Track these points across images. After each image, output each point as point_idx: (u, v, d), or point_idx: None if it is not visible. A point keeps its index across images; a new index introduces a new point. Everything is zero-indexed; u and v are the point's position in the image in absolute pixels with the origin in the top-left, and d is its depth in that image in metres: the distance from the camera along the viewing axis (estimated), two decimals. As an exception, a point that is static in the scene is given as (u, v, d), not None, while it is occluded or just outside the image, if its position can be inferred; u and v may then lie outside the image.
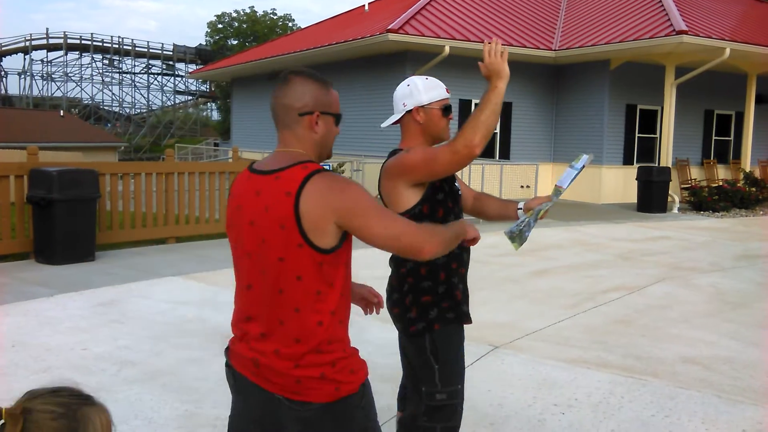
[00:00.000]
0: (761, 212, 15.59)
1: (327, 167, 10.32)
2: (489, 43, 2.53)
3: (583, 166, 2.59)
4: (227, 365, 2.15)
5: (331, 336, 1.98)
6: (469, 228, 2.32)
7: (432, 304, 2.67)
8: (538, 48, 16.32)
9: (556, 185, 2.76)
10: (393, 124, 2.79)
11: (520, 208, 2.87)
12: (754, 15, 19.69)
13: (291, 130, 2.05)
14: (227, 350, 2.16)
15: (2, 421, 1.38)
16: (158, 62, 56.66)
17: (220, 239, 10.07)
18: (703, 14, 16.79)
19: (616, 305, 6.70)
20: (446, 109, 2.70)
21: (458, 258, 2.72)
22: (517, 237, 2.61)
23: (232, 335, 2.14)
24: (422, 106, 2.67)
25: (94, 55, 54.15)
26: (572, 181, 2.69)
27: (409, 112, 2.70)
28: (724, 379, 4.69)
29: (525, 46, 16.09)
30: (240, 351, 2.07)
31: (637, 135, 17.16)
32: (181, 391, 4.27)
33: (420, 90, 2.67)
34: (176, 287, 7.05)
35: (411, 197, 2.63)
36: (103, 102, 56.86)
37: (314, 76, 2.09)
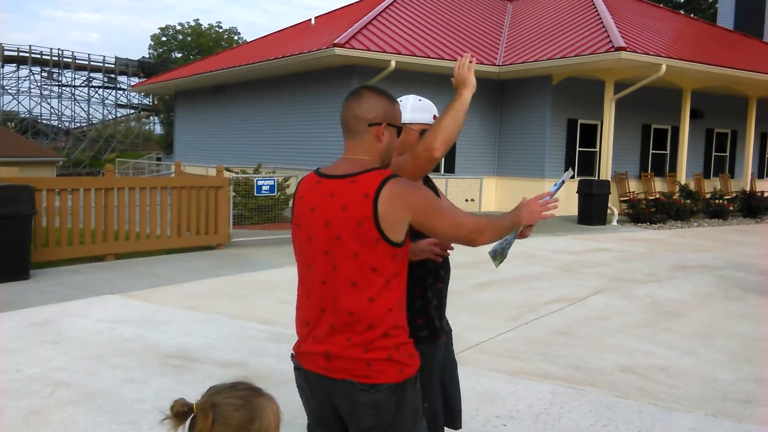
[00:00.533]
0: (696, 224, 16.08)
1: (272, 182, 10.15)
2: (461, 58, 2.60)
3: (564, 182, 2.61)
4: (296, 369, 2.35)
5: (396, 322, 2.21)
6: (524, 215, 2.40)
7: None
8: (483, 63, 16.57)
9: None
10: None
11: None
12: (688, 33, 20.40)
13: (360, 138, 2.30)
14: (293, 356, 2.35)
15: (193, 414, 1.66)
16: (99, 75, 55.50)
17: (162, 255, 9.88)
18: (641, 31, 17.32)
19: (557, 317, 6.81)
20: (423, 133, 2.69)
21: (434, 273, 2.70)
22: (499, 255, 2.63)
23: (297, 339, 2.34)
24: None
25: (32, 68, 52.73)
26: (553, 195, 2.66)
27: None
28: (660, 388, 4.80)
29: (468, 62, 16.31)
30: (308, 348, 2.26)
31: (577, 149, 17.54)
32: (117, 412, 4.15)
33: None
34: (114, 306, 6.88)
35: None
36: (41, 115, 55.36)
37: (384, 92, 2.35)
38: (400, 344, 2.21)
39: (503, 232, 2.36)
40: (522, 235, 2.56)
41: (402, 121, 2.66)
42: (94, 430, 3.89)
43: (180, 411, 1.70)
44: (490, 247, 2.67)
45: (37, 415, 4.08)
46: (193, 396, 4.57)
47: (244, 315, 6.61)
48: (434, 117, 2.75)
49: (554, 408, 4.36)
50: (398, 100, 2.75)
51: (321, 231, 2.22)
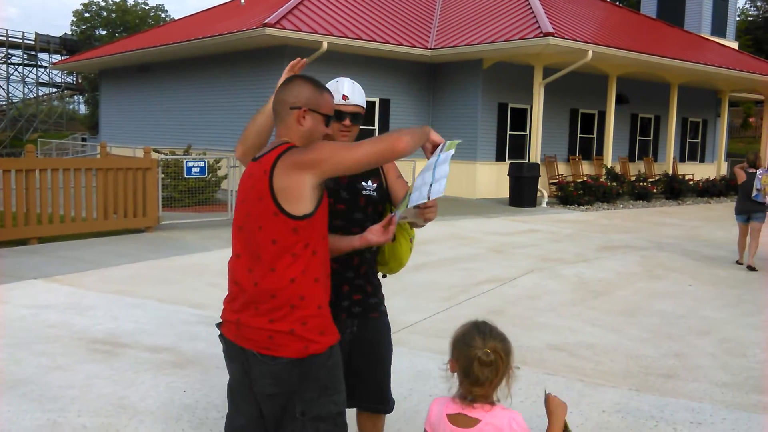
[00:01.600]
0: (621, 206, 16.60)
1: (203, 163, 9.92)
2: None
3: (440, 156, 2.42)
4: (219, 335, 2.43)
5: (302, 293, 2.24)
6: (432, 133, 2.49)
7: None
8: (414, 46, 16.60)
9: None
10: None
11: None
12: (613, 20, 20.93)
13: (284, 122, 2.38)
14: (219, 324, 2.44)
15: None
16: (19, 52, 53.14)
17: (89, 239, 9.59)
18: (569, 18, 17.67)
19: (489, 296, 6.93)
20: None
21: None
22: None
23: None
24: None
25: (-56, 43, 50.08)
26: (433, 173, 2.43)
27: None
28: (587, 364, 4.96)
29: (402, 44, 16.33)
30: (226, 317, 2.37)
31: (508, 132, 17.81)
32: (43, 400, 4.02)
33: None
34: (38, 291, 6.65)
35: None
36: (-44, 93, 52.72)
37: (313, 80, 2.40)
38: (308, 317, 2.25)
39: (417, 133, 2.35)
40: (416, 226, 2.60)
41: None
42: (18, 420, 3.76)
43: (485, 360, 2.08)
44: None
45: (-44, 405, 3.92)
46: (123, 382, 4.43)
47: (174, 299, 6.48)
48: (343, 97, 2.68)
49: (486, 386, 4.44)
50: (336, 80, 2.74)
51: (238, 208, 2.37)
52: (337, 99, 2.67)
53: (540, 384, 4.50)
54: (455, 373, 2.16)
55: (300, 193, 2.22)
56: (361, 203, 2.74)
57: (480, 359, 2.08)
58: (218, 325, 2.44)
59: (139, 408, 3.96)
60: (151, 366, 4.65)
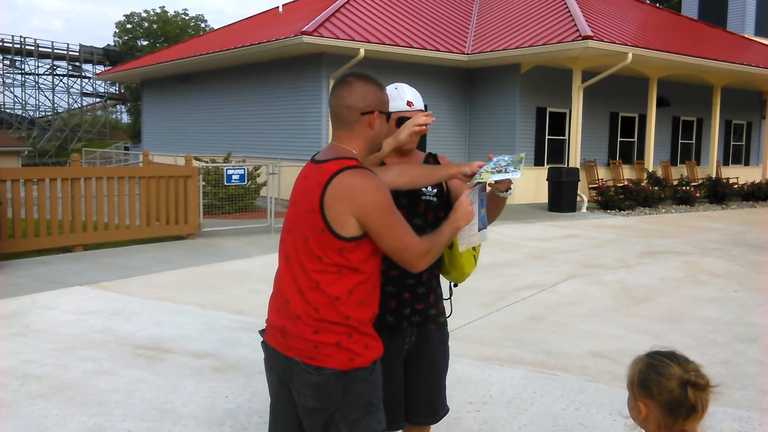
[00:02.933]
0: (663, 210, 16.33)
1: (243, 171, 10.06)
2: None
3: (509, 169, 2.42)
4: (261, 342, 2.38)
5: (348, 313, 2.19)
6: (460, 216, 2.35)
7: None
8: (451, 52, 16.58)
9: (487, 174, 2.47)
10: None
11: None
12: (654, 21, 20.63)
13: (350, 127, 2.29)
14: (262, 331, 2.40)
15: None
16: (64, 63, 54.46)
17: (131, 246, 9.77)
18: (608, 20, 17.47)
19: (529, 303, 6.88)
20: (399, 122, 2.66)
21: (387, 259, 2.57)
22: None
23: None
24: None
25: (-7, 56, 51.55)
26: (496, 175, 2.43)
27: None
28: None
29: (438, 50, 16.33)
30: (271, 321, 2.32)
31: (547, 137, 17.67)
32: (88, 404, 4.11)
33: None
34: (84, 297, 6.79)
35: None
36: (4, 105, 54.21)
37: (372, 79, 2.32)
38: (353, 332, 2.21)
39: (442, 249, 2.31)
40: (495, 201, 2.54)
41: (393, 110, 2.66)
42: (65, 423, 3.84)
43: (701, 383, 1.83)
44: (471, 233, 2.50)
45: (7, 408, 4.02)
46: (166, 387, 4.51)
47: (216, 305, 6.57)
48: (408, 103, 2.69)
49: (526, 393, 4.41)
50: (395, 86, 2.74)
51: (290, 210, 2.33)
52: (401, 105, 2.67)
53: (582, 392, 4.45)
54: (648, 418, 1.85)
55: (339, 216, 2.15)
56: (420, 209, 2.70)
57: (692, 382, 1.81)
58: (261, 332, 2.40)
59: (183, 413, 4.02)
60: (193, 371, 4.71)
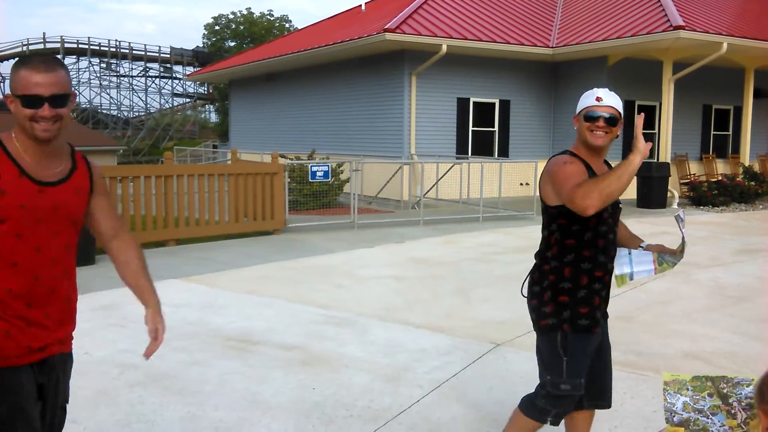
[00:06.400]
0: (761, 206, 15.58)
1: (326, 168, 10.22)
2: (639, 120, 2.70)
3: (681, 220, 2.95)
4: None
5: None
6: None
7: (568, 305, 2.85)
8: (536, 45, 16.31)
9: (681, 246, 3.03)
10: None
11: (642, 246, 3.07)
12: (750, 9, 19.67)
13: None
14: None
15: None
16: (156, 65, 56.57)
17: (221, 241, 10.07)
18: (700, 9, 16.79)
19: (618, 301, 6.69)
20: (587, 118, 2.84)
21: (603, 266, 2.88)
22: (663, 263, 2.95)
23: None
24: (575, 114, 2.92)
25: (91, 59, 54.05)
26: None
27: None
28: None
29: (522, 44, 16.09)
30: None
31: (635, 131, 17.12)
32: (183, 393, 4.26)
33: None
34: (177, 290, 7.04)
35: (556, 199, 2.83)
36: (101, 106, 56.78)
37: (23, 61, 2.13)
38: None
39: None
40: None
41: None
42: (161, 411, 4.00)
43: None
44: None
45: (106, 395, 4.22)
46: (255, 378, 4.62)
47: (302, 299, 6.69)
48: (597, 98, 2.85)
49: (616, 393, 4.29)
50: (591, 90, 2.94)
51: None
52: (591, 101, 2.85)
53: (675, 393, 4.30)
54: None
55: None
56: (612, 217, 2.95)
57: None
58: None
59: (272, 404, 4.12)
60: (281, 363, 4.82)
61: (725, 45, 14.50)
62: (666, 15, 14.89)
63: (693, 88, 17.73)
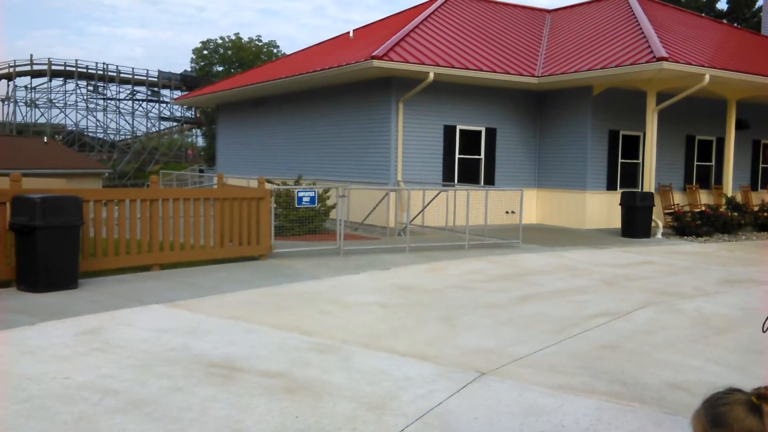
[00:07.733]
0: (743, 237, 15.73)
1: (313, 193, 10.22)
2: None
3: None
4: None
5: None
6: None
7: None
8: (522, 75, 16.49)
9: None
10: None
11: None
12: (731, 42, 20.04)
13: None
14: None
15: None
16: (143, 88, 56.64)
17: (206, 266, 10.01)
18: (683, 41, 17.07)
19: (602, 330, 6.71)
20: None
21: None
22: None
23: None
24: None
25: (78, 82, 54.07)
26: None
27: None
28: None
29: (508, 73, 16.26)
30: None
31: (620, 160, 17.31)
32: (164, 420, 4.21)
33: None
34: (160, 315, 6.98)
35: None
36: (87, 128, 56.63)
37: None
38: None
39: None
40: None
41: None
42: (143, 438, 3.94)
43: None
44: None
45: (87, 421, 4.15)
46: (238, 405, 4.58)
47: (287, 325, 6.65)
48: None
49: (601, 424, 4.29)
50: None
51: None
52: None
53: (660, 424, 4.30)
54: None
55: None
56: None
57: (763, 395, 1.70)
58: None
59: (254, 432, 4.07)
60: (264, 390, 4.77)
61: (707, 77, 14.73)
62: (650, 46, 15.13)
63: (676, 118, 17.96)
